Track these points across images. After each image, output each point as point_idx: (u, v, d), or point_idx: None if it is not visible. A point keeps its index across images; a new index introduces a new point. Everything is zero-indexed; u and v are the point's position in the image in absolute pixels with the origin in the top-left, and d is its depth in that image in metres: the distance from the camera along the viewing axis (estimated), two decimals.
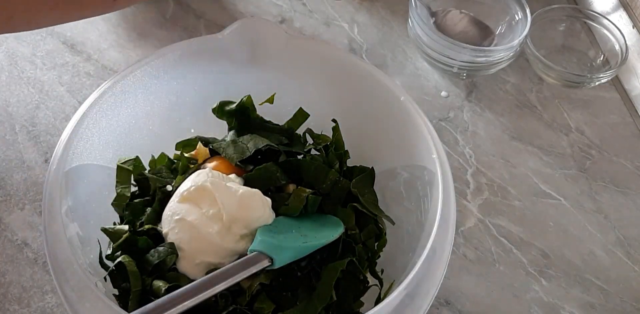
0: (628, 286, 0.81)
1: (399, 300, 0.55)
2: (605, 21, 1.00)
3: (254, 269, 0.60)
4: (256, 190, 0.66)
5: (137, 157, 0.72)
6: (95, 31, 1.02)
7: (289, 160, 0.71)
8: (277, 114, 0.74)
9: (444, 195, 0.58)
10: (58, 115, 0.93)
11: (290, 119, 0.73)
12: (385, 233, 0.71)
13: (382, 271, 0.70)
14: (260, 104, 0.71)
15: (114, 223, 0.70)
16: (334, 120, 0.72)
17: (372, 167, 0.71)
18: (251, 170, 0.69)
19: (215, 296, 0.62)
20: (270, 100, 0.71)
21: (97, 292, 0.54)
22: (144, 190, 0.71)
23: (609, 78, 0.95)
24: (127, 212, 0.69)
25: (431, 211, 0.60)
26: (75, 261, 0.55)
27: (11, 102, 0.94)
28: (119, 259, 0.64)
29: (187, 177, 0.68)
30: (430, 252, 0.56)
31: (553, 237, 0.85)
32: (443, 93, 0.97)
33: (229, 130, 0.74)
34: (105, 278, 0.64)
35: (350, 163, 0.74)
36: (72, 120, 0.65)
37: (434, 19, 0.97)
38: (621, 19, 1.01)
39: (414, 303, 0.55)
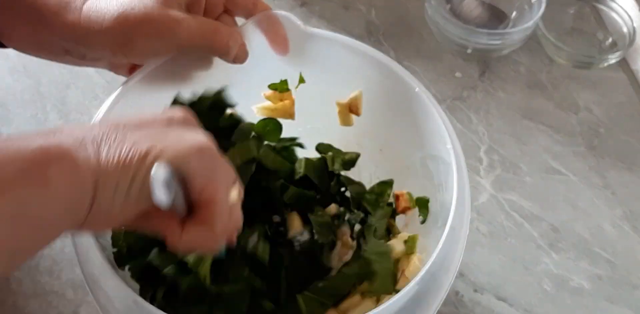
0: (634, 259, 0.82)
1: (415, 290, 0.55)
2: (613, 4, 1.00)
3: None
4: None
5: None
6: None
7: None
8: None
9: (459, 184, 0.58)
10: (87, 94, 0.93)
11: None
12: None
13: None
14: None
15: None
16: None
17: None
18: None
19: None
20: (302, 80, 0.71)
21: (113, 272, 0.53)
22: None
23: (617, 59, 0.95)
24: None
25: (447, 200, 0.60)
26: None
27: (43, 82, 0.94)
28: None
29: None
30: (449, 233, 0.56)
31: (562, 212, 0.85)
32: (457, 74, 0.97)
33: None
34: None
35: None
36: (104, 104, 0.64)
37: (449, 5, 0.98)
38: (628, 2, 1.01)
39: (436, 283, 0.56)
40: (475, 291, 0.78)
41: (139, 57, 0.62)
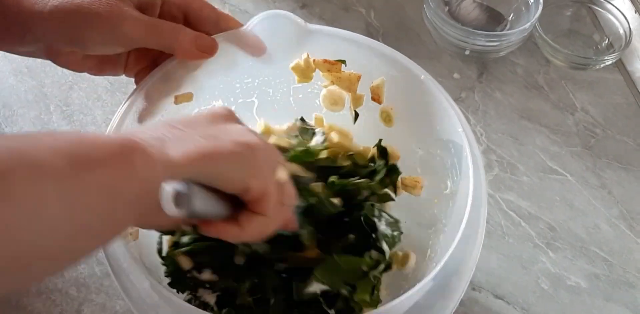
0: (630, 258, 0.82)
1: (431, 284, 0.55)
2: (609, 6, 1.00)
3: None
4: None
5: None
6: None
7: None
8: (304, 104, 0.74)
9: (474, 167, 0.58)
10: (91, 95, 0.93)
11: None
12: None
13: None
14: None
15: None
16: None
17: None
18: None
19: None
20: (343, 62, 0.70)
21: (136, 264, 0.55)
22: None
23: (613, 60, 0.95)
24: None
25: (461, 185, 0.60)
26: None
27: (46, 83, 0.94)
28: None
29: None
30: (466, 230, 0.56)
31: (559, 211, 0.85)
32: (455, 75, 0.97)
33: None
34: None
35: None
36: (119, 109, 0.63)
37: (447, 7, 0.98)
38: (624, 4, 1.01)
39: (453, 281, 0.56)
40: (473, 289, 0.78)
41: (90, 49, 0.61)
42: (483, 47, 0.93)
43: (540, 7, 0.93)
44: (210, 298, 0.65)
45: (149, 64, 0.67)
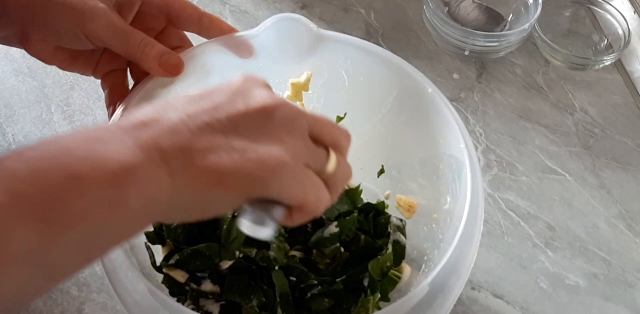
0: (629, 257, 0.82)
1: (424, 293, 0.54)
2: (608, 7, 1.00)
3: None
4: None
5: None
6: None
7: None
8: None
9: (472, 184, 0.58)
10: (92, 95, 0.93)
11: None
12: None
13: None
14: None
15: None
16: None
17: None
18: None
19: None
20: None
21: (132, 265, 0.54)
22: None
23: (612, 61, 0.96)
24: None
25: (460, 200, 0.60)
26: None
27: (47, 83, 0.94)
28: None
29: None
30: (461, 240, 0.56)
31: (558, 211, 0.85)
32: (455, 76, 0.97)
33: None
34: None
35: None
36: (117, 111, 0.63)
37: (447, 8, 0.98)
38: (623, 5, 1.01)
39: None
40: (473, 288, 0.79)
41: (59, 40, 0.60)
42: (482, 48, 0.94)
43: (540, 8, 0.94)
44: (214, 308, 0.65)
45: (119, 68, 0.66)
